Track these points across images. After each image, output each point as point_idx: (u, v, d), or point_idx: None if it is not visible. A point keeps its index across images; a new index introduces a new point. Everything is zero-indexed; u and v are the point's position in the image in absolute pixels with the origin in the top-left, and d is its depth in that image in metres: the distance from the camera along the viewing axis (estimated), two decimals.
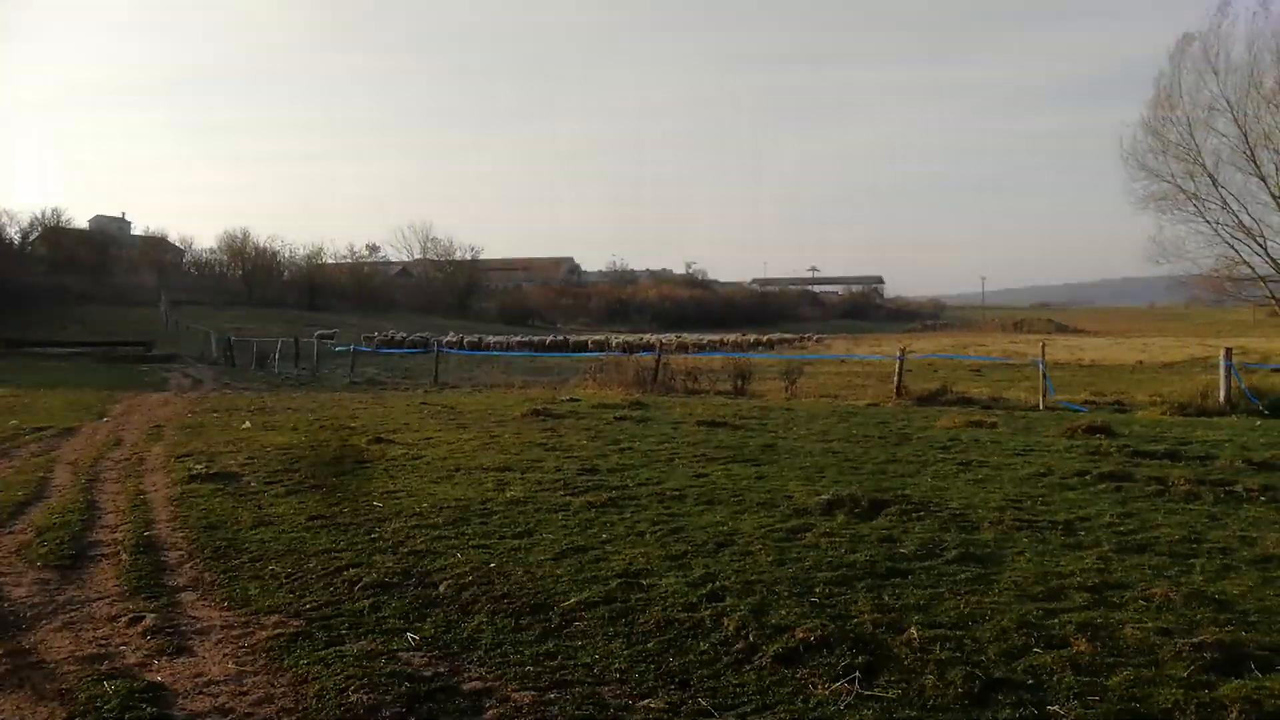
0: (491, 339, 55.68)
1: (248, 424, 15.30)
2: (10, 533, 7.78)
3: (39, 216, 75.66)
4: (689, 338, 55.92)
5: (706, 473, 9.62)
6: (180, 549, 7.11)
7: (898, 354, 20.52)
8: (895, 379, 19.64)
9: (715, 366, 24.04)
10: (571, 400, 18.10)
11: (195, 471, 10.23)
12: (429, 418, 15.83)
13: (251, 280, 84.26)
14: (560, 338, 58.35)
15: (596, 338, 57.36)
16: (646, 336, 58.32)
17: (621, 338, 55.99)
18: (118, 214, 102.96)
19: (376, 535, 7.24)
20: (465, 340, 50.49)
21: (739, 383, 22.16)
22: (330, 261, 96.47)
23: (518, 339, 56.13)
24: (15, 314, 54.64)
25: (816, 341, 59.36)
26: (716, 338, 58.04)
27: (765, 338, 61.39)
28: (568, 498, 8.40)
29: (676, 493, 8.52)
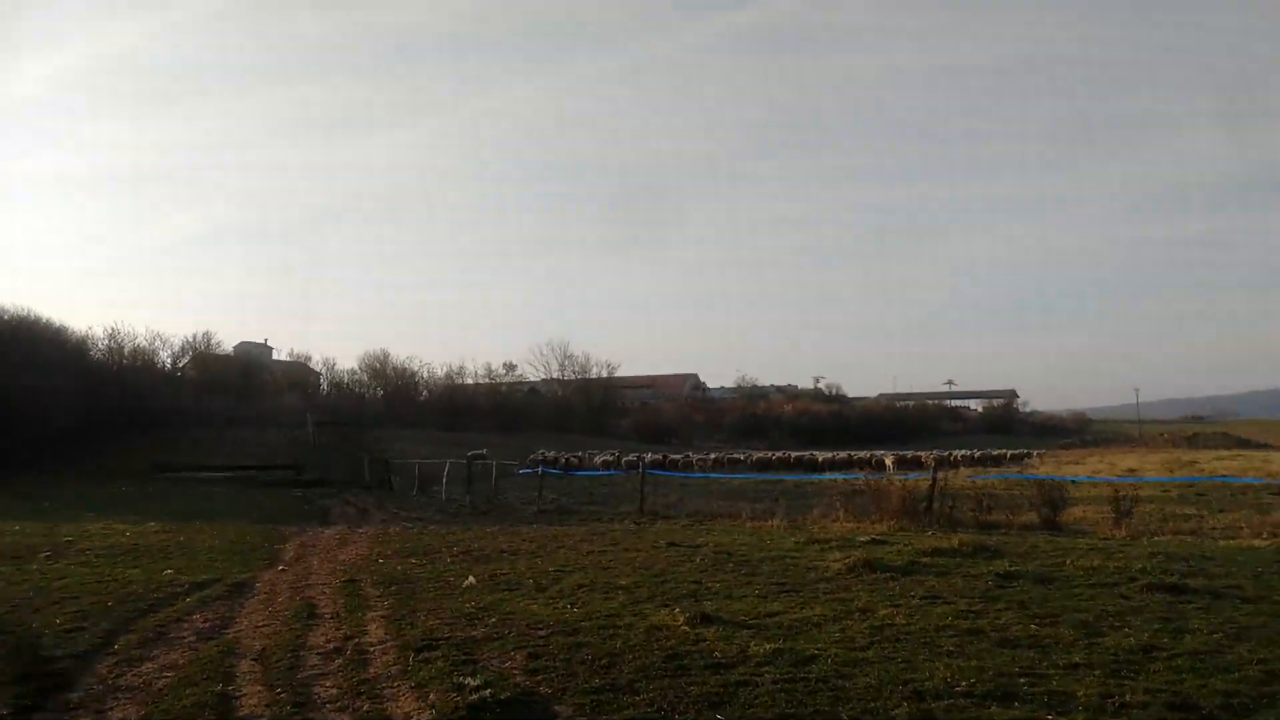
0: (693, 457, 51.29)
1: (471, 580, 11.20)
2: None
3: (189, 340, 76.42)
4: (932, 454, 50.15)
5: None
6: None
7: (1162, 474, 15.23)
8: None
9: (998, 490, 19.07)
10: (877, 542, 13.47)
11: (470, 692, 6.03)
12: (710, 569, 11.47)
13: (392, 400, 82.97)
14: (768, 455, 53.11)
15: (813, 455, 52.06)
16: (852, 453, 52.90)
17: (824, 455, 50.97)
18: (260, 340, 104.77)
19: None
20: (647, 458, 46.36)
21: (1049, 513, 17.14)
22: (469, 381, 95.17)
23: (712, 457, 51.68)
24: (165, 435, 53.55)
25: (1041, 457, 52.94)
26: (906, 454, 52.23)
27: (976, 453, 54.56)
28: None
29: None
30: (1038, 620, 7.94)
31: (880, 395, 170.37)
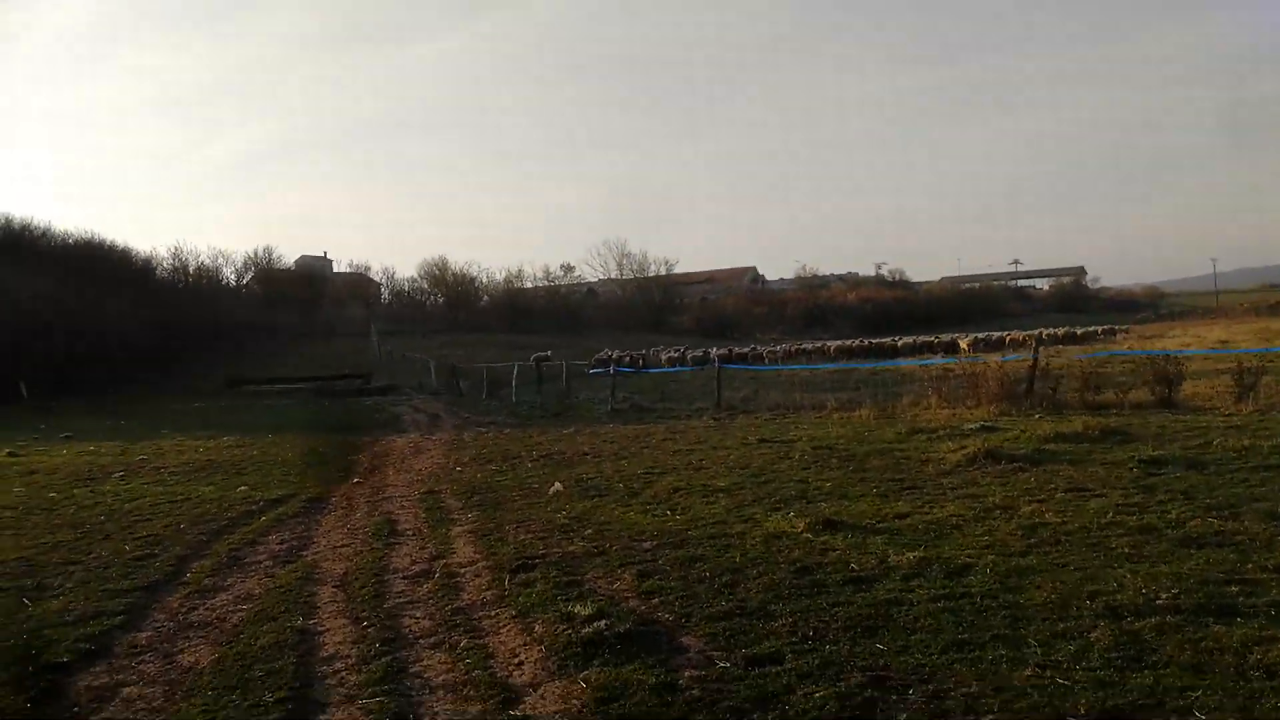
0: (762, 349, 50.02)
1: (557, 486, 10.45)
2: None
3: (252, 256, 76.77)
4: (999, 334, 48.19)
5: None
6: None
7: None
8: None
9: (1106, 369, 17.76)
10: (987, 429, 12.41)
11: (582, 623, 5.21)
12: (813, 466, 10.56)
13: (454, 306, 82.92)
14: (846, 343, 51.45)
15: (907, 339, 50.45)
16: (939, 337, 51.12)
17: (903, 340, 49.27)
18: (320, 253, 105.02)
19: None
20: (713, 353, 45.27)
21: (1163, 390, 15.83)
22: (528, 285, 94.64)
23: (780, 348, 50.38)
24: (235, 350, 54.09)
25: (1127, 333, 50.67)
26: (981, 337, 50.36)
27: (1060, 331, 52.08)
28: None
29: None
30: (1215, 513, 6.88)
31: (944, 279, 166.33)
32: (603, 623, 5.12)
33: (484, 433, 18.87)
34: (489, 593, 6.22)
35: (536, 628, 5.31)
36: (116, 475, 14.56)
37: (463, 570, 6.90)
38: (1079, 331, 52.17)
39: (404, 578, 6.86)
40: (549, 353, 47.94)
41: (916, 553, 6.24)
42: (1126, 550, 6.08)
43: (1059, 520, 7.01)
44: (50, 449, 19.03)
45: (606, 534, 7.74)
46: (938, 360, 30.70)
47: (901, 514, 7.59)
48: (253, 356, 53.67)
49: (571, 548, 7.31)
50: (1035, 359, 17.22)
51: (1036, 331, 41.23)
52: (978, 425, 12.82)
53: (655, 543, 7.24)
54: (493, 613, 5.77)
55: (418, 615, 5.85)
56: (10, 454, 17.93)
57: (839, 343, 49.53)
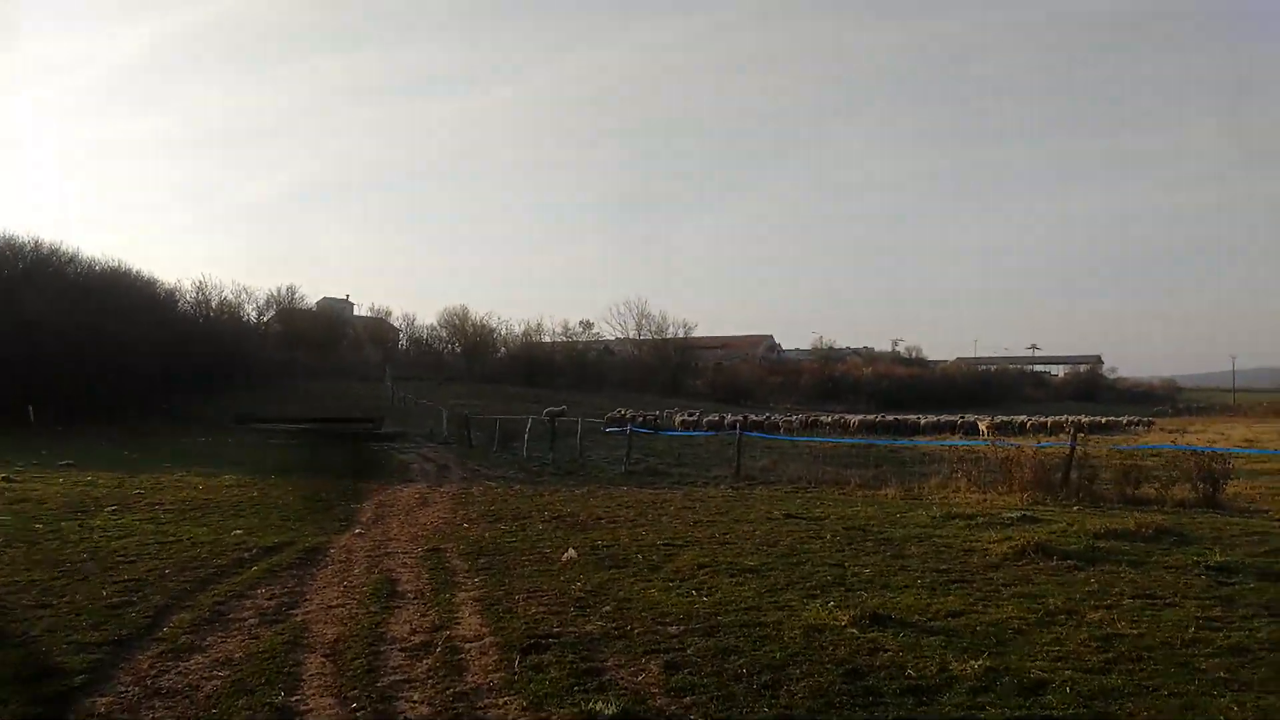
0: (778, 419, 49.15)
1: (571, 553, 9.74)
2: None
3: (274, 294, 76.91)
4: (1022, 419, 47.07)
5: None
6: None
7: None
8: None
9: (1143, 462, 16.94)
10: (1028, 520, 11.66)
11: None
12: (848, 550, 9.82)
13: (471, 356, 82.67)
14: (868, 418, 50.34)
15: (930, 418, 49.37)
16: (966, 417, 50.04)
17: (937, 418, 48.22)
18: (342, 296, 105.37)
19: None
20: (728, 419, 44.48)
21: (1207, 489, 15.03)
22: (546, 339, 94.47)
23: (796, 419, 49.50)
24: (247, 388, 53.75)
25: (1147, 428, 49.64)
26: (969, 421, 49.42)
27: (1085, 419, 50.79)
28: None
29: None
30: None
31: (958, 359, 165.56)
32: (610, 709, 4.40)
33: (494, 487, 18.17)
34: (496, 675, 5.51)
35: None
36: (109, 509, 13.93)
37: (468, 645, 6.19)
38: (1103, 420, 51.10)
39: (402, 650, 6.15)
40: (564, 408, 47.34)
41: (981, 661, 5.50)
42: (1223, 674, 5.33)
43: (1135, 632, 6.27)
44: (46, 476, 18.43)
45: (627, 613, 7.02)
46: (959, 442, 29.90)
47: (954, 611, 6.84)
48: (267, 393, 53.28)
49: (589, 626, 6.59)
50: (1073, 446, 16.45)
51: (1072, 418, 40.27)
52: (1017, 515, 12.05)
53: (682, 627, 6.52)
54: (500, 701, 5.06)
55: (415, 699, 5.14)
56: (4, 479, 17.34)
57: (860, 417, 48.58)
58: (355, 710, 4.92)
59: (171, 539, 11.05)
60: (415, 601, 7.74)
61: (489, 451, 29.34)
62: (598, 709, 4.65)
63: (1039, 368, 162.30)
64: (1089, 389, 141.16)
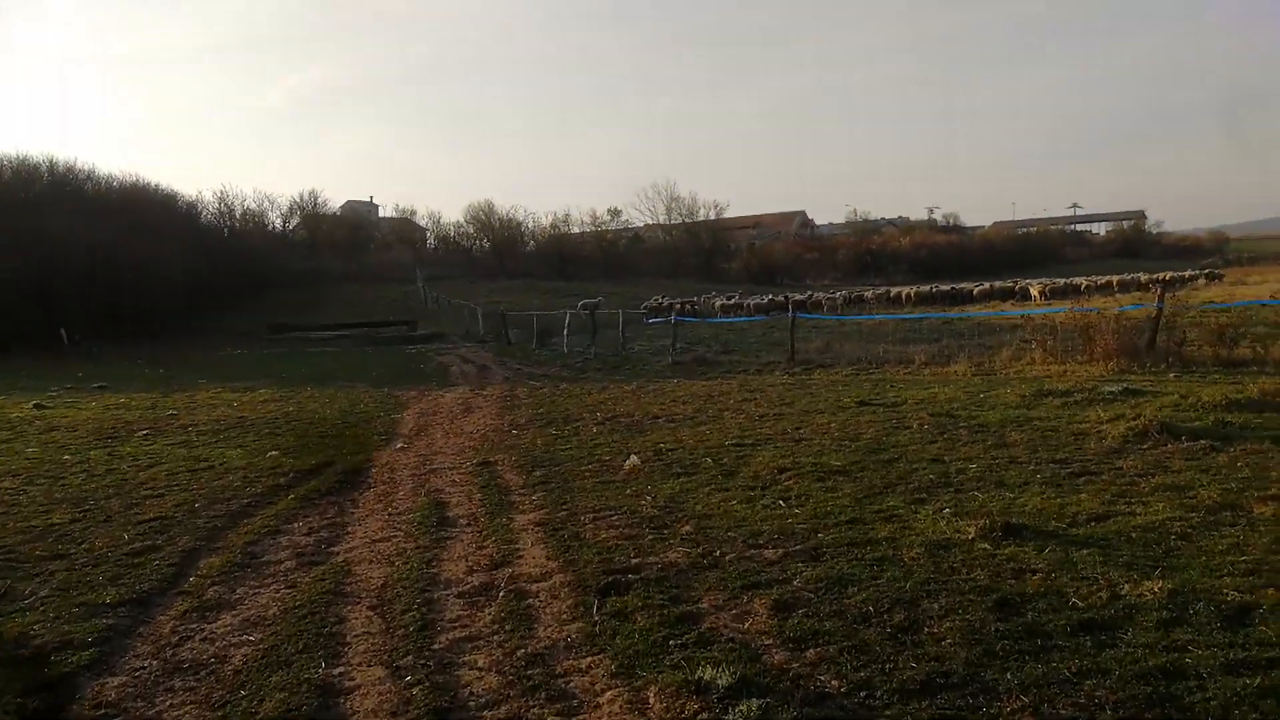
0: (821, 297, 47.37)
1: (634, 459, 8.84)
2: None
3: (298, 201, 75.66)
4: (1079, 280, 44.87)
5: None
6: None
7: None
8: None
9: (1232, 319, 15.69)
10: (1131, 392, 10.57)
11: (721, 699, 3.58)
12: (942, 440, 8.82)
13: (500, 253, 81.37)
14: (922, 289, 48.11)
15: (981, 286, 47.22)
16: (1009, 283, 47.86)
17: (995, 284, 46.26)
18: (366, 197, 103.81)
19: None
20: (788, 300, 43.03)
21: None
22: (574, 230, 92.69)
23: (840, 295, 47.88)
24: (278, 295, 53.30)
25: (1209, 279, 47.41)
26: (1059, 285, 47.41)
27: (1155, 276, 48.23)
28: None
29: None
30: None
31: (996, 223, 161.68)
32: (754, 704, 3.48)
33: (538, 387, 17.32)
34: (573, 626, 4.63)
35: (652, 700, 3.70)
36: (141, 434, 13.27)
37: (534, 587, 5.32)
38: (1165, 276, 48.78)
39: (459, 595, 5.29)
40: (600, 299, 46.34)
41: (1156, 581, 4.52)
42: None
43: None
44: (80, 400, 17.85)
45: (710, 533, 6.11)
46: (1023, 311, 28.55)
47: (1096, 514, 5.85)
48: (297, 302, 52.74)
49: (671, 554, 5.69)
50: (1160, 308, 15.20)
51: (1161, 275, 38.26)
52: (1117, 388, 10.95)
53: (780, 550, 5.59)
54: (583, 663, 4.18)
55: (479, 665, 4.27)
56: (37, 405, 16.75)
57: (910, 288, 46.90)
58: (409, 685, 4.07)
59: (203, 465, 10.31)
60: (469, 529, 6.89)
61: (528, 349, 28.54)
62: (707, 676, 3.73)
63: (1080, 227, 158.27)
64: (1133, 246, 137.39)
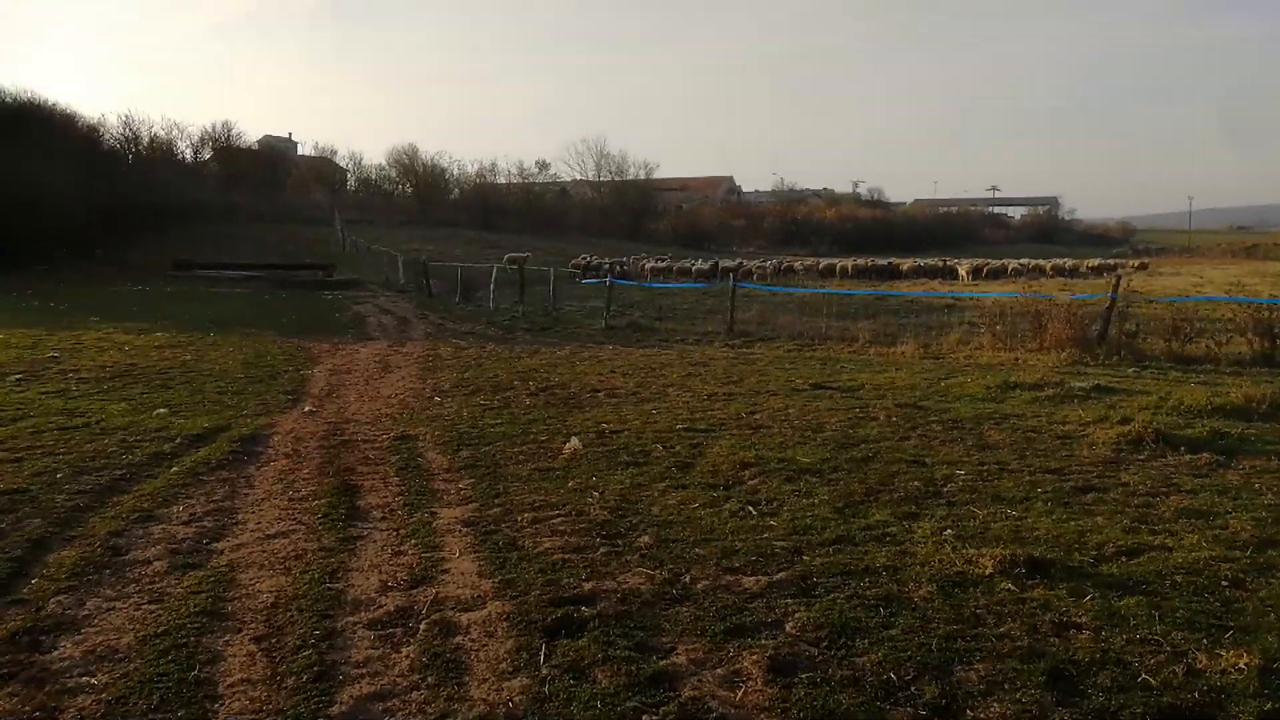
0: (752, 265, 46.21)
1: (575, 443, 7.83)
2: None
3: (209, 130, 71.68)
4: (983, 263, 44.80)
5: None
6: None
7: None
8: None
9: (1188, 312, 15.34)
10: (1103, 389, 9.94)
11: None
12: (914, 436, 8.02)
13: (423, 199, 78.66)
14: (858, 262, 47.08)
15: (909, 262, 46.42)
16: (921, 260, 47.41)
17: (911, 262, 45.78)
18: (285, 134, 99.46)
19: None
20: (717, 266, 42.03)
21: (1265, 344, 13.48)
22: (500, 181, 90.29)
23: (770, 264, 47.07)
24: (186, 231, 50.37)
25: (1138, 269, 47.98)
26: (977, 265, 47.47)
27: (1084, 263, 48.30)
28: None
29: None
30: None
31: (917, 200, 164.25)
32: None
33: (463, 346, 16.13)
34: (515, 684, 3.62)
35: None
36: (13, 378, 11.79)
37: (464, 618, 4.29)
38: (1093, 263, 49.32)
39: (369, 625, 4.24)
40: (527, 255, 44.85)
41: (1234, 651, 3.72)
42: None
43: None
44: None
45: (674, 548, 5.16)
46: (967, 294, 28.25)
47: (1124, 547, 5.05)
48: (206, 239, 49.91)
49: (631, 578, 4.72)
50: (1113, 298, 14.73)
51: (1091, 262, 38.24)
52: (1088, 384, 10.32)
53: (761, 578, 4.67)
54: None
55: None
56: None
57: (848, 261, 46.48)
58: None
59: (78, 422, 8.99)
60: (384, 525, 5.81)
61: (451, 302, 27.14)
62: None
63: (998, 209, 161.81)
64: (1048, 230, 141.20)
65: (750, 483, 6.55)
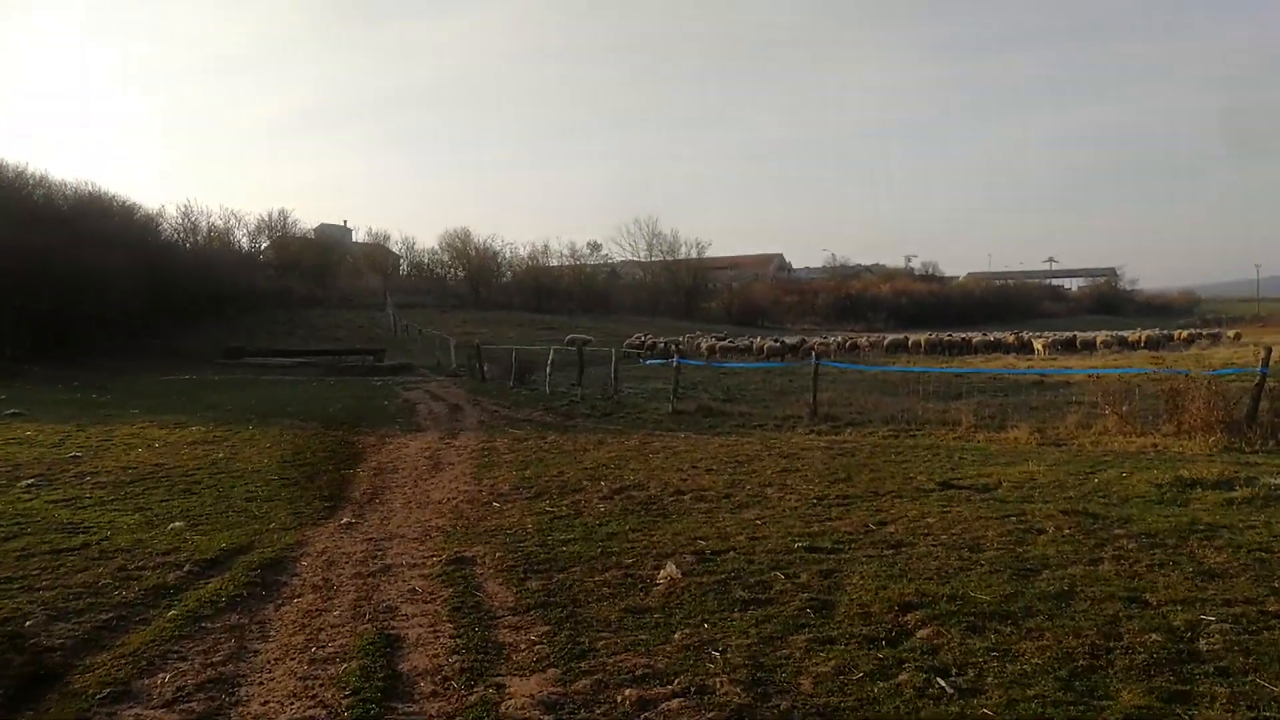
0: (816, 344, 44.55)
1: (670, 570, 6.18)
2: None
3: (265, 219, 72.48)
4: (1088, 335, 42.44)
5: None
6: None
7: None
8: None
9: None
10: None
11: None
12: (1105, 556, 6.26)
13: (475, 282, 78.49)
14: (936, 337, 45.00)
15: (977, 336, 44.31)
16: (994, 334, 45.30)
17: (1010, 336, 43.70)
18: (340, 221, 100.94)
19: None
20: (783, 344, 40.31)
21: None
22: (553, 263, 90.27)
23: (834, 342, 45.37)
24: (240, 318, 50.20)
25: (1234, 339, 45.41)
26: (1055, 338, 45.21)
27: (1177, 334, 45.61)
28: None
29: None
30: None
31: (970, 274, 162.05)
32: None
33: (522, 437, 14.61)
34: None
35: None
36: (25, 482, 10.56)
37: None
38: (1183, 334, 46.75)
39: None
40: (590, 337, 43.66)
41: None
42: None
43: None
44: None
45: None
46: (1081, 370, 26.29)
47: None
48: (260, 326, 49.70)
49: None
50: (1264, 373, 12.84)
51: (1180, 334, 36.04)
52: (1276, 480, 8.45)
53: None
54: None
55: None
56: None
57: (921, 335, 44.55)
58: None
59: (78, 542, 7.60)
60: (435, 706, 4.21)
61: (505, 386, 25.79)
62: None
63: (1055, 281, 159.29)
64: (1108, 302, 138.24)
65: (921, 634, 4.86)
